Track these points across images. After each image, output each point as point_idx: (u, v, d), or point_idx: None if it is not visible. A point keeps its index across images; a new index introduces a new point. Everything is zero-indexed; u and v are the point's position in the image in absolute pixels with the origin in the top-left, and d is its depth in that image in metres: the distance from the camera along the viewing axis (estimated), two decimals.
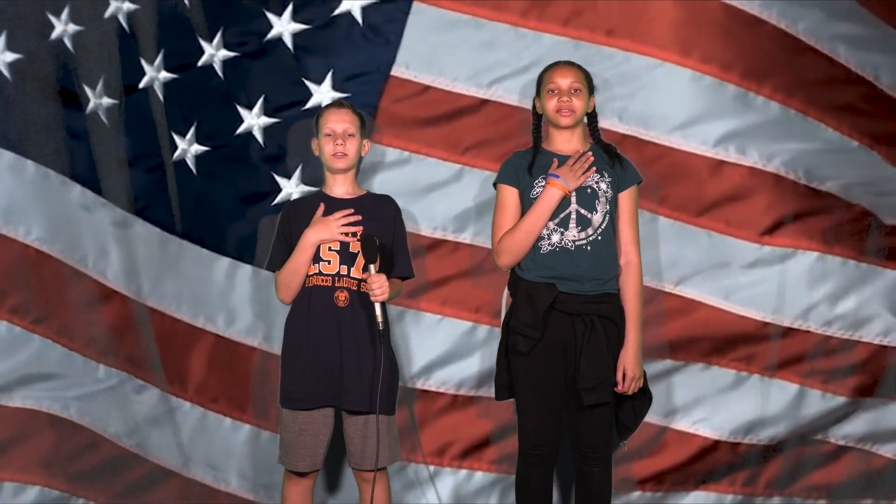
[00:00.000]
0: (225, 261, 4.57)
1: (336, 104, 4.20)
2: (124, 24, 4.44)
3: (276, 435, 4.29)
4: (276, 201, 4.52)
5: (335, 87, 4.51)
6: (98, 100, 4.44)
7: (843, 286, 4.53)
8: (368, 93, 4.54)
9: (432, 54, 4.50)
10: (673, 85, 4.44)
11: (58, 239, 4.62)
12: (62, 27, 4.40)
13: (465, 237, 4.53)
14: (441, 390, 4.58)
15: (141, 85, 4.47)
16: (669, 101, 4.45)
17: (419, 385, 4.56)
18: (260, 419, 4.60)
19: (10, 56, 4.53)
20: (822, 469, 4.61)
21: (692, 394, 4.55)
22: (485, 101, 4.51)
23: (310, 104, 4.51)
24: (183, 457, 4.63)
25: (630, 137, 4.45)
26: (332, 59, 4.53)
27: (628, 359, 4.03)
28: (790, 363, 4.55)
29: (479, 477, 4.60)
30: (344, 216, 4.03)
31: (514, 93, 4.49)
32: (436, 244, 4.55)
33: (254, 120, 4.52)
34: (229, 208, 4.56)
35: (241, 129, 4.52)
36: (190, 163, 4.53)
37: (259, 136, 4.52)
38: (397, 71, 4.54)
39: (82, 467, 4.66)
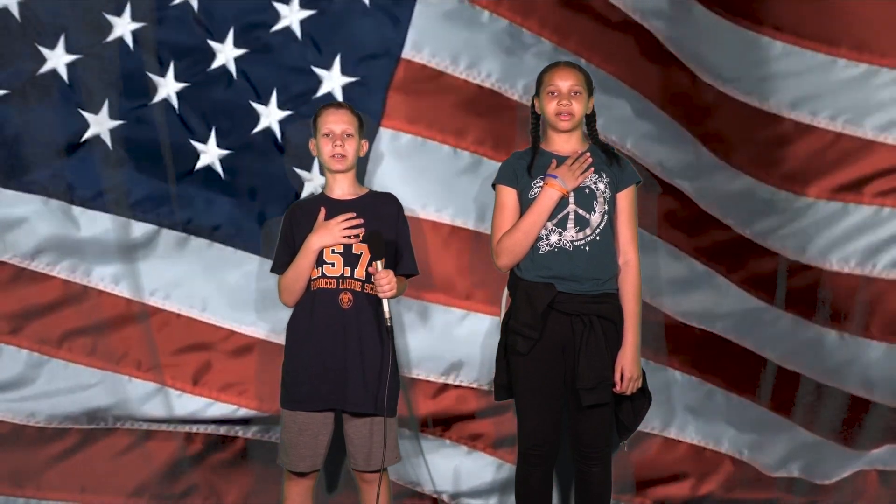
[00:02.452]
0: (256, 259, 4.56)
1: (335, 104, 4.19)
2: (130, 44, 4.44)
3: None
4: (303, 194, 4.53)
5: (344, 72, 4.50)
6: (101, 124, 4.45)
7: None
8: (379, 76, 4.51)
9: (444, 35, 4.49)
10: None
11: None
12: (57, 58, 4.41)
13: (485, 227, 4.42)
14: (474, 386, 4.62)
15: (155, 100, 4.48)
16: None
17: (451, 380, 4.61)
18: None
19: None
20: None
21: None
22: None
23: (321, 92, 4.51)
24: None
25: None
26: (341, 45, 4.50)
27: (626, 359, 4.02)
28: None
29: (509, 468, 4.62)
30: (346, 219, 4.05)
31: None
32: (455, 231, 4.56)
33: (271, 116, 4.52)
34: (259, 205, 4.56)
35: (259, 127, 4.51)
36: (217, 168, 4.53)
37: (277, 130, 4.52)
38: (408, 54, 4.51)
39: None
